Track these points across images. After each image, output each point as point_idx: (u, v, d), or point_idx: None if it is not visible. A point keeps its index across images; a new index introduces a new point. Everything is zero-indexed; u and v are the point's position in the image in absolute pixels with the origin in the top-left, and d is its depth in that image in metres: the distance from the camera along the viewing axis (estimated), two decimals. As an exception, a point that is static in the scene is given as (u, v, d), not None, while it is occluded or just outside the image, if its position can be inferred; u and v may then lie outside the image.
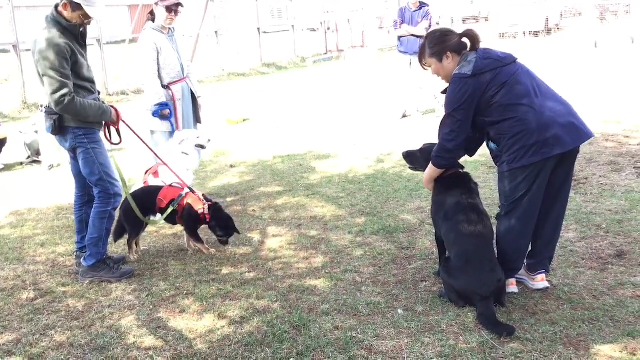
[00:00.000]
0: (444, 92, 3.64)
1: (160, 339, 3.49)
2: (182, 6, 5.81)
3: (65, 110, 4.06)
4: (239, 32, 21.16)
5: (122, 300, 4.05)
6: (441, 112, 9.79)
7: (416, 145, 4.22)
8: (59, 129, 4.21)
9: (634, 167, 6.27)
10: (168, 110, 5.83)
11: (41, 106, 4.31)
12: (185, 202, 4.75)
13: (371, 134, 9.15)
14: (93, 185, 4.38)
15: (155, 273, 4.49)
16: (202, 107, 6.34)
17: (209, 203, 4.77)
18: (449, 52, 3.57)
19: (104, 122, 4.36)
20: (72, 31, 4.14)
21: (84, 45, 4.29)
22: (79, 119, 4.16)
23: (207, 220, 4.72)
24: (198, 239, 4.80)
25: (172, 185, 4.94)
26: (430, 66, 3.67)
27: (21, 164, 8.52)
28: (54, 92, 4.00)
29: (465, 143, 3.67)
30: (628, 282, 3.80)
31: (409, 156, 4.16)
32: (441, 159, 3.70)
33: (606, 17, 25.68)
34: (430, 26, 9.76)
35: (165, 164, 5.05)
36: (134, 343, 3.46)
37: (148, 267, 4.60)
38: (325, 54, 23.67)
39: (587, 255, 4.27)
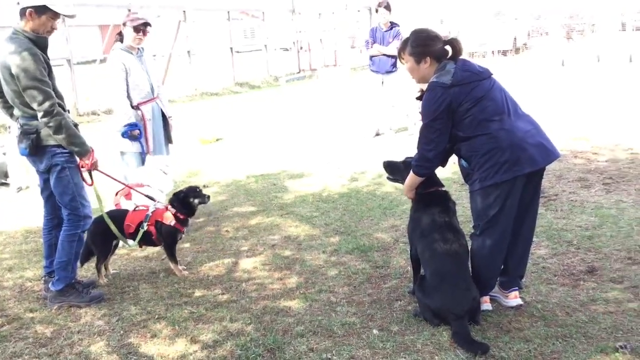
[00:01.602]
0: (419, 98, 3.66)
1: (131, 365, 3.41)
2: (150, 26, 5.78)
3: (56, 122, 3.95)
4: (211, 52, 21.15)
5: (92, 326, 3.95)
6: (414, 131, 9.88)
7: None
8: (35, 148, 4.10)
9: (602, 183, 6.37)
10: (138, 131, 5.77)
11: (9, 128, 4.22)
12: (155, 221, 4.69)
13: (344, 152, 9.17)
14: (63, 206, 4.29)
15: (126, 297, 4.39)
16: (173, 127, 6.29)
17: (173, 204, 4.77)
18: (428, 57, 3.57)
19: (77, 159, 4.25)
20: (41, 43, 4.05)
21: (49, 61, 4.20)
22: (59, 138, 4.06)
23: (181, 224, 4.72)
24: (174, 259, 4.74)
25: (136, 209, 4.87)
26: (406, 62, 3.68)
27: (-12, 186, 8.33)
28: (43, 102, 3.91)
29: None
30: (600, 298, 3.84)
31: (391, 167, 4.15)
32: (421, 168, 3.70)
33: (572, 36, 26.31)
34: (401, 46, 9.86)
35: (136, 189, 4.99)
36: (103, 370, 3.38)
37: (118, 291, 4.51)
38: (298, 72, 23.79)
39: (559, 271, 4.31)
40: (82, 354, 3.57)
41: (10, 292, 4.64)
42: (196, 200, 4.81)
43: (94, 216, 4.48)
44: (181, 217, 4.73)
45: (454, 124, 3.48)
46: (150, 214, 4.71)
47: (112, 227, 4.56)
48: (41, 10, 3.97)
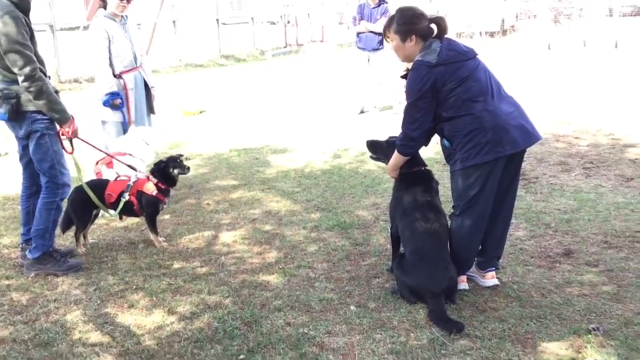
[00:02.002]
0: (404, 77, 3.64)
1: (107, 334, 3.40)
2: None
3: (37, 87, 3.88)
4: (197, 23, 20.83)
5: (69, 295, 3.93)
6: (398, 110, 9.88)
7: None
8: (15, 113, 4.04)
9: (583, 168, 6.43)
10: (119, 100, 5.69)
11: None
12: (136, 190, 4.65)
13: (328, 129, 9.14)
14: (42, 173, 4.24)
15: (104, 267, 4.37)
16: (155, 97, 6.21)
17: (154, 174, 4.74)
18: (414, 35, 3.54)
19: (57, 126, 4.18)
20: (23, 7, 3.98)
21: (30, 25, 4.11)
22: (39, 104, 3.99)
23: (163, 194, 4.70)
24: (154, 230, 4.71)
25: (117, 179, 4.82)
26: (391, 40, 3.65)
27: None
28: (24, 65, 3.84)
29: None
30: (575, 281, 3.89)
31: (374, 146, 4.14)
32: (405, 147, 3.69)
33: (560, 20, 26.29)
34: (389, 23, 9.79)
35: (117, 158, 4.94)
36: (79, 339, 3.37)
37: (96, 261, 4.48)
38: (285, 47, 23.57)
39: (536, 253, 4.36)
40: (58, 323, 3.56)
41: (-14, 259, 4.59)
42: (176, 171, 4.77)
43: (73, 185, 4.42)
44: (163, 187, 4.69)
45: (437, 104, 3.47)
46: (132, 184, 4.67)
47: (92, 196, 4.52)
48: None
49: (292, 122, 9.77)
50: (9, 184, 6.39)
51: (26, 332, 3.45)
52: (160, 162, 4.80)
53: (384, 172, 6.42)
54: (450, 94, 3.41)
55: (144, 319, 3.57)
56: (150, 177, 4.71)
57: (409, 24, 3.57)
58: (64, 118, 4.11)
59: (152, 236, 4.72)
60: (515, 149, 3.43)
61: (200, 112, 10.96)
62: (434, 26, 3.57)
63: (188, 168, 4.87)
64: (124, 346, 3.26)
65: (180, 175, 4.85)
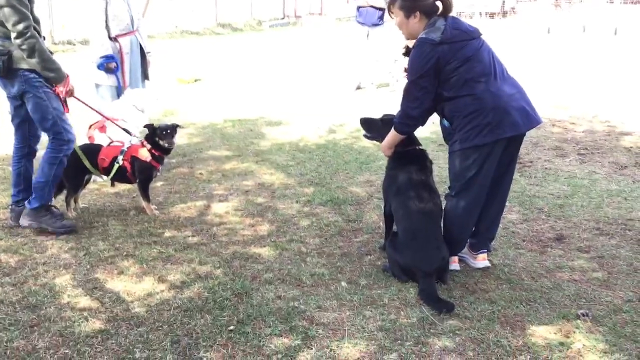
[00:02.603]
0: (405, 54, 3.59)
1: (96, 300, 3.38)
2: None
3: (30, 45, 3.82)
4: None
5: (58, 259, 3.89)
6: (395, 87, 9.81)
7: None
8: (7, 70, 3.96)
9: (577, 154, 6.43)
10: (114, 64, 5.61)
11: None
12: (130, 156, 4.59)
13: (324, 103, 9.07)
14: (45, 131, 4.21)
15: (95, 232, 4.33)
16: (151, 63, 6.12)
17: (147, 141, 4.65)
18: (418, 12, 3.46)
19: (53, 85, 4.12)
20: None
21: None
22: (33, 62, 3.91)
23: (157, 161, 4.63)
24: (147, 197, 4.67)
25: (111, 144, 4.76)
26: (395, 16, 3.58)
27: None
28: (17, 22, 3.77)
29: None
30: (566, 266, 3.90)
31: (368, 123, 4.09)
32: (404, 125, 3.66)
33: (561, 4, 26.17)
34: (390, -2, 9.67)
35: (113, 121, 4.87)
36: (67, 303, 3.34)
37: (87, 226, 4.44)
38: (283, 18, 23.31)
39: (528, 237, 4.36)
40: (47, 286, 3.53)
41: (-25, 219, 4.54)
42: (161, 141, 4.61)
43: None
44: (157, 154, 4.63)
45: (439, 83, 3.42)
46: (126, 149, 4.61)
47: (85, 160, 4.46)
48: None
49: (288, 95, 9.70)
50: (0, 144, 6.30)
51: (14, 294, 3.42)
52: (153, 128, 4.71)
53: (379, 150, 6.34)
54: (452, 73, 3.36)
55: (133, 285, 3.55)
56: (145, 143, 4.65)
57: (414, 0, 3.50)
58: (59, 77, 4.06)
59: (144, 203, 4.68)
60: (515, 132, 3.41)
61: (195, 81, 10.86)
62: (439, 3, 3.50)
63: (171, 143, 4.66)
64: (113, 312, 3.24)
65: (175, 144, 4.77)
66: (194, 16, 19.24)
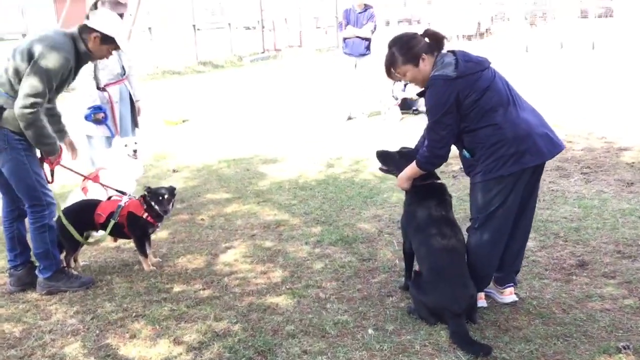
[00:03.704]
0: (419, 94, 3.48)
1: (110, 369, 3.17)
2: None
3: (29, 120, 3.67)
4: (173, 29, 20.52)
5: (64, 325, 3.67)
6: (387, 116, 9.75)
7: (370, 148, 4.04)
8: None
9: (581, 173, 6.35)
10: (102, 114, 5.45)
11: None
12: (127, 212, 4.41)
13: (317, 136, 8.95)
14: (22, 196, 3.98)
15: (99, 292, 4.12)
16: (141, 110, 5.96)
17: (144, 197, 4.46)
18: (424, 55, 3.38)
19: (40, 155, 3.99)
20: (84, 59, 3.96)
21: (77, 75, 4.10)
22: (26, 133, 3.75)
23: (155, 219, 4.43)
24: (143, 252, 4.46)
25: (111, 198, 4.58)
26: (404, 74, 3.46)
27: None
28: (31, 95, 3.63)
29: None
30: (595, 294, 3.76)
31: (384, 156, 3.94)
32: (430, 165, 3.55)
33: (536, 22, 26.55)
34: (375, 28, 9.68)
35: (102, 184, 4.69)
36: (81, 375, 3.13)
37: (90, 286, 4.22)
38: (263, 52, 23.33)
39: (550, 265, 4.22)
40: (56, 357, 3.31)
41: (-30, 286, 4.31)
42: (157, 207, 4.39)
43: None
44: (153, 214, 4.43)
45: (459, 116, 3.30)
46: (123, 205, 4.42)
47: (71, 229, 4.25)
48: (107, 40, 3.93)
49: (280, 130, 9.57)
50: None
51: (21, 368, 3.20)
52: (150, 190, 4.47)
53: (382, 182, 6.28)
54: (472, 106, 3.25)
55: (148, 350, 3.34)
56: (142, 200, 4.45)
57: (413, 48, 3.40)
58: (52, 151, 3.95)
59: (141, 259, 4.48)
60: (541, 160, 3.30)
61: (183, 122, 10.70)
62: (427, 39, 3.43)
63: (167, 210, 4.43)
64: (131, 382, 3.04)
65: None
66: (174, 55, 19.16)
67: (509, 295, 3.72)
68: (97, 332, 3.56)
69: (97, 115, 5.44)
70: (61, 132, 4.27)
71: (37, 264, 4.15)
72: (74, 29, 3.96)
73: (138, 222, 4.40)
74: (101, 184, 4.78)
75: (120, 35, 3.98)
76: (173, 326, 3.58)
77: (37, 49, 3.71)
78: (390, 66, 3.48)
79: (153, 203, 4.38)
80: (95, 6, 5.33)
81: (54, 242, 4.10)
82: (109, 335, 3.52)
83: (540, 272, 4.14)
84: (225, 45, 22.18)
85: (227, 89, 14.69)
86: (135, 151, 5.33)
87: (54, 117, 4.18)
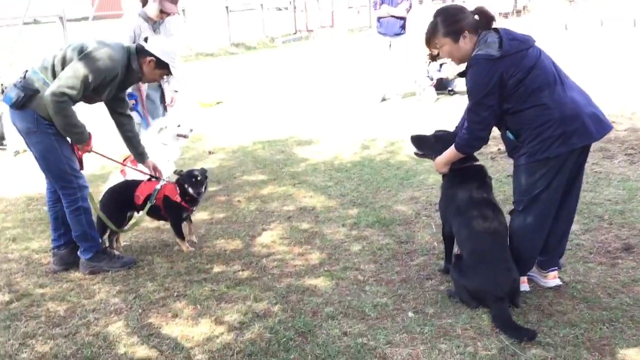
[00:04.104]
0: (461, 74, 3.40)
1: (153, 348, 3.21)
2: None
3: (57, 107, 3.67)
4: (206, 11, 20.53)
5: (108, 304, 3.73)
6: (422, 96, 9.63)
7: (405, 130, 3.97)
8: (22, 105, 3.78)
9: (625, 154, 6.18)
10: (133, 101, 5.46)
11: (3, 86, 3.93)
12: (163, 196, 4.44)
13: (352, 118, 8.90)
14: (53, 180, 4.03)
15: (141, 272, 4.17)
16: (174, 102, 5.94)
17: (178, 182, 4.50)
18: (466, 32, 3.28)
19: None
20: (133, 76, 4.02)
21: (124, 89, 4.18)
22: (55, 120, 3.78)
23: (189, 201, 4.46)
24: (180, 235, 4.50)
25: (150, 179, 4.61)
26: (442, 47, 3.38)
27: (-17, 149, 8.03)
28: (63, 85, 3.65)
29: None
30: (641, 279, 3.67)
31: (419, 141, 3.87)
32: (469, 147, 3.47)
33: (575, -1, 25.84)
34: (410, 7, 9.53)
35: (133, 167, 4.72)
36: (125, 354, 3.17)
37: (132, 265, 4.27)
38: (295, 33, 23.24)
39: (594, 249, 4.13)
40: (100, 335, 3.36)
41: (16, 265, 4.41)
42: (190, 189, 4.42)
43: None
44: (187, 198, 4.46)
45: (502, 97, 3.21)
46: (159, 188, 4.45)
47: (104, 218, 4.30)
48: (161, 64, 3.98)
49: (314, 111, 9.54)
50: (31, 183, 6.19)
51: (67, 346, 3.26)
52: (182, 174, 4.53)
53: (418, 164, 6.21)
54: (517, 86, 3.15)
55: (190, 329, 3.37)
56: (177, 184, 4.48)
57: (458, 22, 3.30)
58: (80, 140, 3.97)
59: (178, 241, 4.52)
60: (589, 141, 3.21)
61: (217, 103, 10.75)
62: (477, 17, 3.32)
63: (200, 193, 4.49)
64: (174, 361, 3.07)
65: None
66: (207, 37, 19.20)
67: (552, 279, 3.64)
68: (140, 311, 3.61)
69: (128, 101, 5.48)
70: (141, 154, 4.42)
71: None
72: (132, 45, 4.03)
73: (173, 205, 4.43)
74: (134, 168, 4.80)
75: (175, 62, 4.03)
76: (214, 306, 3.61)
77: (91, 46, 3.79)
78: (431, 36, 3.39)
79: (186, 186, 4.40)
80: (145, 1, 5.35)
81: (90, 224, 4.15)
82: (152, 315, 3.56)
83: (584, 255, 4.05)
84: (258, 27, 22.16)
85: (260, 71, 14.69)
86: (191, 130, 5.55)
87: (131, 138, 4.33)
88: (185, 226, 4.61)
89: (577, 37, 16.80)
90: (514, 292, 3.39)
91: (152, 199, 4.42)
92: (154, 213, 4.53)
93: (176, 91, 5.87)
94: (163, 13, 5.34)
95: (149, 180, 4.59)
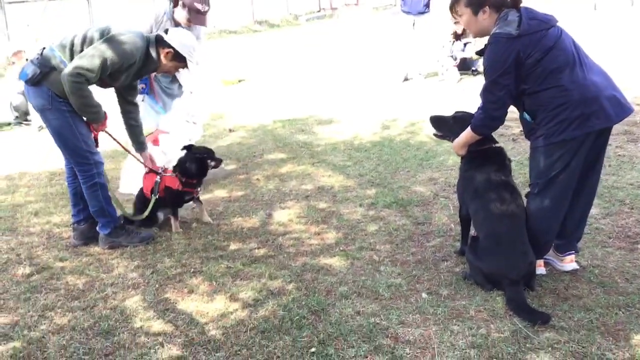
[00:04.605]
0: (479, 52, 3.35)
1: (169, 323, 3.26)
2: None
3: (73, 86, 3.69)
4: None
5: (125, 278, 3.80)
6: (445, 76, 9.52)
7: (426, 110, 3.94)
8: (39, 82, 3.80)
9: (650, 138, 6.06)
10: (142, 85, 5.46)
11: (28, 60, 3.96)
12: (164, 187, 4.50)
13: (373, 97, 8.84)
14: (69, 156, 4.07)
15: (159, 248, 4.23)
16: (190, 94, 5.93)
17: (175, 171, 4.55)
18: (487, 7, 3.23)
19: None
20: (150, 66, 4.02)
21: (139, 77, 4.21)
22: (70, 100, 3.80)
23: (186, 186, 4.50)
24: (175, 214, 4.56)
25: (151, 171, 4.63)
26: (461, 15, 3.34)
27: (9, 124, 8.16)
28: (80, 66, 3.66)
29: None
30: (661, 264, 3.61)
31: (438, 122, 3.85)
32: (485, 128, 3.42)
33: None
34: (435, -15, 9.39)
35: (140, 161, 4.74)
36: (141, 327, 3.23)
37: (150, 241, 4.33)
38: (319, 11, 23.08)
39: (614, 233, 4.07)
40: (118, 309, 3.42)
41: (38, 238, 4.50)
42: (193, 166, 4.48)
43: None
44: (189, 181, 4.49)
45: (520, 78, 3.16)
46: (159, 181, 4.49)
47: (122, 209, 4.37)
48: (179, 57, 4.00)
49: (335, 90, 9.50)
50: (54, 158, 6.27)
51: (85, 319, 3.33)
52: (181, 158, 4.56)
53: (438, 145, 6.16)
54: (535, 66, 3.09)
55: (206, 305, 3.42)
56: (177, 174, 4.52)
57: None
58: (96, 119, 3.99)
59: (172, 219, 4.56)
60: (607, 124, 3.14)
61: (240, 81, 10.76)
62: None
63: (214, 165, 4.59)
64: (188, 336, 3.11)
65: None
66: (230, 15, 19.18)
67: (569, 263, 3.61)
68: (157, 286, 3.67)
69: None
70: (140, 144, 4.43)
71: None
72: (151, 35, 4.04)
73: (176, 194, 4.49)
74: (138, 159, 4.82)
75: (193, 56, 4.02)
76: (229, 283, 3.65)
77: (114, 30, 3.82)
78: (455, 3, 3.35)
79: (181, 174, 4.46)
80: (176, 3, 5.25)
81: (107, 199, 4.20)
82: (168, 290, 3.62)
83: (603, 240, 4.00)
84: (282, 4, 22.05)
85: (283, 49, 14.64)
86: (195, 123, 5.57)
87: (134, 127, 4.33)
88: (195, 208, 4.67)
89: (606, 18, 16.40)
90: (530, 275, 3.37)
91: (155, 192, 4.46)
92: (160, 203, 4.55)
93: (191, 92, 5.84)
94: (188, 21, 5.27)
95: (148, 172, 4.60)
